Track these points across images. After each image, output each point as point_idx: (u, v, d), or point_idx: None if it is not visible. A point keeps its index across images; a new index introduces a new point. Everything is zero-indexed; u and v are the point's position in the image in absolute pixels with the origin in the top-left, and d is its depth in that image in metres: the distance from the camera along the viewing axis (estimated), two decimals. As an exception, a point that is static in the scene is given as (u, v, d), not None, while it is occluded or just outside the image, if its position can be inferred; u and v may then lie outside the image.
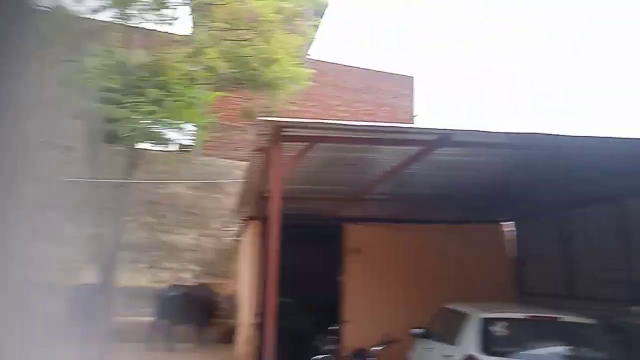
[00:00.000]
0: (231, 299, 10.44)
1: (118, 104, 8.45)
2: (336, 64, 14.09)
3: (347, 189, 7.41)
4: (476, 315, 5.58)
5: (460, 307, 6.20)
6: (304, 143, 5.03)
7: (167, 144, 10.72)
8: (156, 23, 9.20)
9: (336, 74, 13.85)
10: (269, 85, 9.97)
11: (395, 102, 14.69)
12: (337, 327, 7.24)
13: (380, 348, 6.30)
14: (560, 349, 5.40)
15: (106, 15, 8.92)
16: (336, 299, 8.86)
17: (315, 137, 4.98)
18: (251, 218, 8.95)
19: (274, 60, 9.51)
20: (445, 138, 4.77)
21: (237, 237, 11.15)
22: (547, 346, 5.47)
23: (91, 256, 9.23)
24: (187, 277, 11.20)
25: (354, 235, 9.29)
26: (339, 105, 13.95)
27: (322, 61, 13.75)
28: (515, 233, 10.16)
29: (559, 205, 8.14)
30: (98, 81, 8.60)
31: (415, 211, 8.97)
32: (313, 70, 10.26)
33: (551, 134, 4.38)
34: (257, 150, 5.56)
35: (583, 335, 5.44)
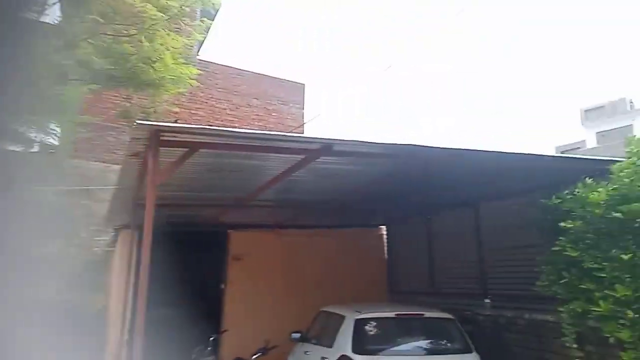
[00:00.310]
0: (101, 315, 9.62)
1: None
2: (227, 66, 13.85)
3: (231, 195, 7.32)
4: (350, 317, 5.83)
5: (337, 310, 6.44)
6: (184, 149, 4.87)
7: (30, 144, 9.61)
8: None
9: (226, 77, 13.60)
10: (150, 85, 9.45)
11: (284, 109, 14.85)
12: (215, 337, 7.05)
13: (256, 356, 6.29)
14: (424, 343, 5.87)
15: None
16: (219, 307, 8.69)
17: (195, 143, 4.84)
18: (125, 227, 8.39)
19: (156, 59, 9.04)
20: (326, 147, 4.94)
21: (108, 247, 10.35)
22: (414, 341, 5.91)
23: None
24: (49, 293, 10.08)
25: (238, 241, 9.20)
26: (226, 109, 13.71)
27: (212, 63, 13.43)
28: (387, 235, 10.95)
29: (423, 209, 8.92)
30: None
31: (300, 217, 9.17)
32: (198, 72, 9.95)
33: (419, 145, 4.78)
34: (133, 155, 5.26)
35: (443, 329, 5.98)
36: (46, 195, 10.35)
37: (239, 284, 8.88)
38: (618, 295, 4.44)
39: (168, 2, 8.72)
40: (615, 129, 28.45)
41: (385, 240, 10.93)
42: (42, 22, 8.94)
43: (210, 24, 10.67)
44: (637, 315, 4.36)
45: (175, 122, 11.98)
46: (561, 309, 5.10)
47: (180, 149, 4.80)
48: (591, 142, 30.40)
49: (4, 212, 8.79)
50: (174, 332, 7.41)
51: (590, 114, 33.75)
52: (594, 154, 14.46)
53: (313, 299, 7.87)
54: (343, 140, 4.88)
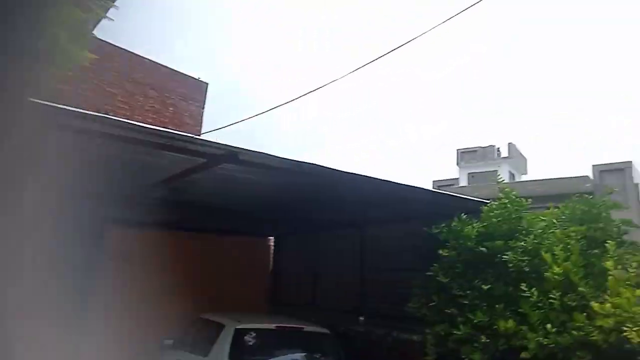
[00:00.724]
0: None
1: None
2: (127, 50, 12.89)
3: (116, 189, 6.80)
4: (230, 326, 5.73)
5: (217, 318, 6.28)
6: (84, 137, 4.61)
7: None
8: None
9: (123, 61, 12.65)
10: (37, 57, 8.43)
11: (183, 105, 14.26)
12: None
13: None
14: (300, 356, 5.97)
15: None
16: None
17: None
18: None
19: (50, 32, 8.13)
20: (231, 155, 4.88)
21: None
22: (291, 353, 5.99)
23: None
24: None
25: (118, 238, 8.54)
26: (117, 95, 12.72)
27: (109, 44, 12.39)
28: (275, 246, 11.03)
29: (311, 225, 9.19)
30: None
31: (186, 219, 8.81)
32: (93, 56, 9.16)
33: (316, 165, 4.95)
34: None
35: (320, 343, 6.16)
36: None
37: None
38: (476, 321, 5.01)
39: None
40: (483, 172, 32.15)
41: (272, 252, 10.97)
42: None
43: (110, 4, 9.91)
44: (488, 340, 4.95)
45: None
46: (427, 331, 5.58)
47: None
48: (463, 181, 33.99)
49: None
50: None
51: (464, 155, 37.79)
52: (465, 191, 16.18)
53: (190, 305, 7.59)
54: (247, 150, 4.87)
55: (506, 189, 5.76)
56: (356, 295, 8.15)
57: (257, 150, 4.81)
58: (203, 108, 14.92)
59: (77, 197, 7.08)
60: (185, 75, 14.53)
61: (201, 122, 14.73)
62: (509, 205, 5.51)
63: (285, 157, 4.90)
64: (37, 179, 4.40)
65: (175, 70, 14.24)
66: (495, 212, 5.53)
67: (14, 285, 3.86)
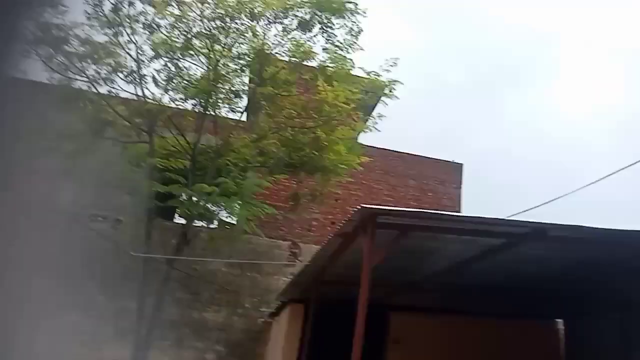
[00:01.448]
0: None
1: (179, 183, 8.85)
2: (385, 149, 14.27)
3: (402, 277, 7.20)
4: None
5: None
6: (394, 231, 5.05)
7: (212, 222, 10.92)
8: (227, 112, 9.90)
9: (384, 159, 14.00)
10: (321, 170, 10.21)
11: (440, 189, 14.50)
12: None
13: None
14: None
15: (186, 104, 9.61)
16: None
17: (406, 226, 5.04)
18: (292, 301, 8.67)
19: (332, 148, 9.89)
20: (537, 232, 4.70)
21: (269, 318, 10.74)
22: None
23: (120, 330, 9.15)
24: (211, 359, 10.73)
25: (398, 324, 8.77)
26: (382, 190, 13.92)
27: (371, 147, 13.94)
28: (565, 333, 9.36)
29: (621, 305, 7.39)
30: (163, 162, 9.12)
31: (465, 302, 8.42)
32: (366, 159, 10.55)
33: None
34: (340, 236, 5.66)
35: None
36: (217, 265, 11.45)
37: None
38: None
39: (352, 95, 9.42)
40: None
41: (562, 339, 9.26)
42: (233, 118, 10.58)
43: (369, 117, 11.27)
44: None
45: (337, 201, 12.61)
46: None
47: (390, 231, 4.98)
48: None
49: (173, 278, 9.86)
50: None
51: None
52: None
53: None
54: (559, 225, 4.57)
55: None
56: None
57: (569, 224, 4.52)
58: (460, 188, 14.82)
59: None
60: (440, 160, 14.93)
61: (459, 203, 14.58)
62: None
63: (599, 226, 4.45)
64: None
65: (431, 157, 14.81)
66: None
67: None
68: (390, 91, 9.82)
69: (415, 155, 14.69)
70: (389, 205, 13.53)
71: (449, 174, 14.78)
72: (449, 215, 5.00)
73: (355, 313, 8.63)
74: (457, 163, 15.05)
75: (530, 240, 4.88)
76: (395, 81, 9.79)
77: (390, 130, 11.45)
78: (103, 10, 8.45)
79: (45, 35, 7.77)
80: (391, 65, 9.46)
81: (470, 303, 8.53)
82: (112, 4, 8.47)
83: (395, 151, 14.35)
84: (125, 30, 8.71)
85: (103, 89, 8.87)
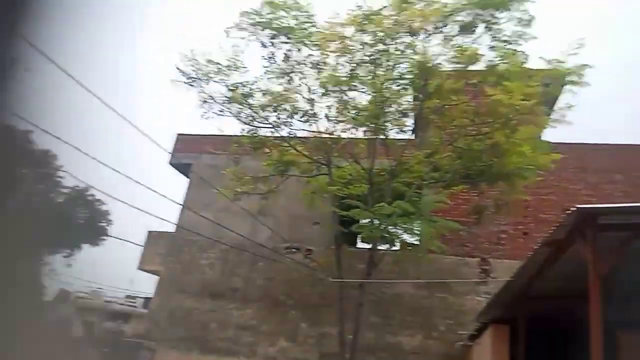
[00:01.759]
0: None
1: (359, 208, 9.06)
2: (577, 143, 12.48)
3: (631, 287, 6.08)
4: None
5: None
6: (621, 233, 4.52)
7: (394, 244, 10.87)
8: (396, 132, 9.95)
9: (578, 154, 12.21)
10: (504, 177, 9.39)
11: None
12: None
13: None
14: None
15: (357, 132, 9.96)
16: None
17: (637, 225, 4.45)
18: (494, 321, 7.99)
19: (515, 151, 9.05)
20: None
21: (469, 341, 10.03)
22: None
23: (324, 355, 9.56)
24: None
25: (629, 344, 7.31)
26: (581, 190, 12.09)
27: (559, 143, 12.38)
28: None
29: None
30: (342, 190, 9.50)
31: None
32: (557, 155, 9.36)
33: None
34: (547, 244, 5.23)
35: None
36: (405, 287, 11.26)
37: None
38: None
39: (528, 90, 8.55)
40: None
41: None
42: (403, 138, 10.49)
43: (554, 110, 9.98)
44: None
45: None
46: None
47: (615, 233, 4.49)
48: None
49: (365, 303, 9.91)
50: None
51: None
52: None
53: None
54: None
55: None
56: None
57: None
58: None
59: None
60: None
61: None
62: None
63: None
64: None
65: (637, 145, 12.45)
66: None
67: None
68: (579, 78, 8.55)
69: (617, 144, 12.52)
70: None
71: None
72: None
73: (576, 331, 7.55)
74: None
75: None
76: (584, 65, 8.50)
77: (583, 121, 9.96)
78: (276, 61, 9.33)
79: (234, 93, 8.89)
80: (577, 48, 8.25)
81: None
82: (284, 54, 9.28)
83: (591, 144, 12.43)
84: (296, 75, 9.44)
85: (283, 132, 9.69)
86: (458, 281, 11.09)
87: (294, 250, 11.31)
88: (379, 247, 10.18)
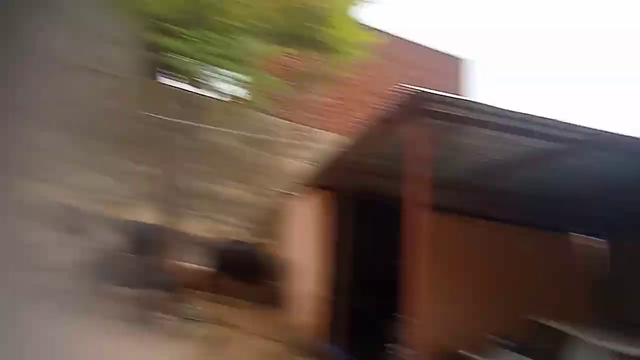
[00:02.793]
0: (281, 263, 9.75)
1: (171, 35, 7.79)
2: (387, 33, 13.16)
3: (436, 173, 6.90)
4: (587, 341, 5.11)
5: (559, 326, 5.69)
6: (444, 122, 4.57)
7: (214, 89, 9.82)
8: None
9: (390, 44, 13.00)
10: (327, 47, 9.25)
11: (440, 83, 14.07)
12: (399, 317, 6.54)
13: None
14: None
15: None
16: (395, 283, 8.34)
17: (458, 118, 4.53)
18: (320, 187, 8.31)
19: (327, 19, 8.81)
20: (595, 139, 4.43)
21: (293, 200, 10.31)
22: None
23: (144, 194, 8.53)
24: (231, 231, 10.38)
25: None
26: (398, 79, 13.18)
27: (374, 28, 12.80)
28: (608, 250, 9.25)
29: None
30: (153, 7, 7.66)
31: (499, 208, 8.01)
32: (376, 39, 9.66)
33: None
34: (380, 122, 5.07)
35: None
36: (228, 139, 10.54)
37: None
38: None
39: None
40: None
41: (597, 255, 9.26)
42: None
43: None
44: None
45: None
46: None
47: (438, 121, 4.52)
48: None
49: (186, 150, 9.09)
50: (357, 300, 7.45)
51: None
52: None
53: (505, 302, 7.27)
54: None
55: None
56: None
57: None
58: (458, 83, 14.47)
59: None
60: (438, 51, 14.31)
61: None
62: None
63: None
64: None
65: (429, 48, 14.11)
66: None
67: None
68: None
69: (416, 43, 13.81)
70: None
71: (448, 67, 14.30)
72: (511, 112, 4.39)
73: (390, 207, 8.23)
74: (456, 56, 14.54)
75: (595, 149, 4.57)
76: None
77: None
78: None
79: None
80: None
81: (500, 209, 8.04)
82: None
83: (396, 36, 13.24)
84: None
85: None
86: (290, 142, 10.96)
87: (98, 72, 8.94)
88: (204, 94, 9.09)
